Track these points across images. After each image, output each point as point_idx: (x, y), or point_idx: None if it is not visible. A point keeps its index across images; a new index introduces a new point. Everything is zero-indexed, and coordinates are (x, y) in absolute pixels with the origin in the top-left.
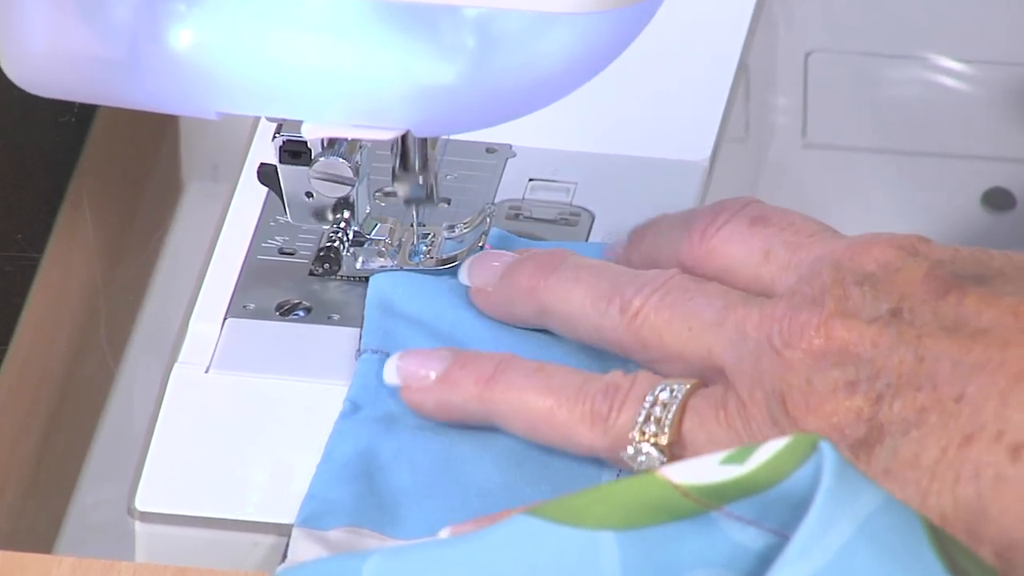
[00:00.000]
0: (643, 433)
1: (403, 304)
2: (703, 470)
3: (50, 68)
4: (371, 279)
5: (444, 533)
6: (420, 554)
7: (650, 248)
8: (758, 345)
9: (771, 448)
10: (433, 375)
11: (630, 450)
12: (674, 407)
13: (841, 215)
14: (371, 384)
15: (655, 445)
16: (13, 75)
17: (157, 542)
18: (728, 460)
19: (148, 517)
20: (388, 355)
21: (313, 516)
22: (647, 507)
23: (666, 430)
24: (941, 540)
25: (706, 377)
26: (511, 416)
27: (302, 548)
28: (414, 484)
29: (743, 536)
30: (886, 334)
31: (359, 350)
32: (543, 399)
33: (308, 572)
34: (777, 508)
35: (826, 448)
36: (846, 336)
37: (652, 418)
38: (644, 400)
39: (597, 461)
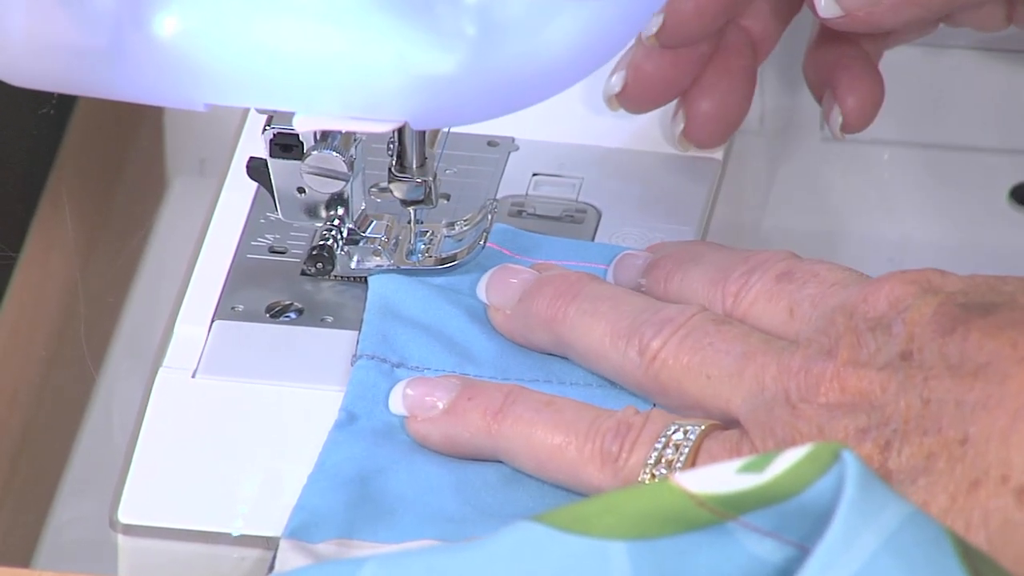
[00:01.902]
0: (654, 476)
1: (405, 308)
2: (720, 479)
3: (29, 57)
4: (371, 280)
5: None
6: (419, 561)
7: (678, 293)
8: (774, 397)
9: (791, 457)
10: (441, 405)
11: None
12: (687, 449)
13: (861, 212)
14: (368, 392)
15: None
16: None
17: (141, 556)
18: (746, 469)
19: (131, 530)
20: (385, 361)
21: (302, 528)
22: (660, 516)
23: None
24: (970, 556)
25: (724, 422)
26: (519, 452)
27: (290, 560)
28: (412, 490)
29: (761, 548)
30: (894, 379)
31: (355, 355)
32: (552, 435)
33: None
34: (797, 520)
35: (849, 458)
36: (858, 385)
37: (664, 460)
38: (656, 441)
39: None
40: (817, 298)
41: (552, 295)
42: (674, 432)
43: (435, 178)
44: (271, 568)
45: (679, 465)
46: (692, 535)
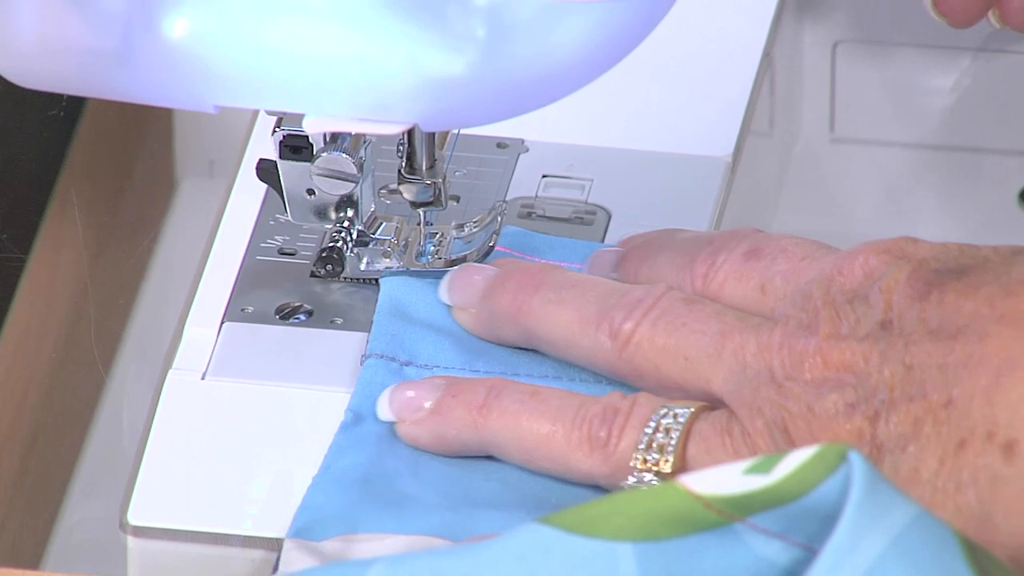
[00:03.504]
0: (645, 461)
1: (415, 308)
2: (726, 480)
3: (39, 59)
4: (382, 281)
5: None
6: (426, 562)
7: (647, 282)
8: (757, 375)
9: (798, 458)
10: (427, 405)
11: (631, 479)
12: (677, 433)
13: (870, 213)
14: (375, 392)
15: (658, 473)
16: (0, 67)
17: (150, 558)
18: (752, 470)
19: (141, 532)
20: (394, 360)
21: (306, 527)
22: (666, 518)
23: (670, 458)
24: (977, 557)
25: (707, 402)
26: (506, 443)
27: (294, 560)
28: (417, 487)
29: (768, 550)
30: (876, 349)
31: (364, 354)
32: (539, 424)
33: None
34: (804, 521)
35: (855, 459)
36: (841, 358)
37: (655, 444)
38: (646, 425)
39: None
40: (789, 273)
41: (515, 288)
42: (664, 416)
43: (444, 180)
44: (276, 568)
45: (671, 448)
46: (699, 536)
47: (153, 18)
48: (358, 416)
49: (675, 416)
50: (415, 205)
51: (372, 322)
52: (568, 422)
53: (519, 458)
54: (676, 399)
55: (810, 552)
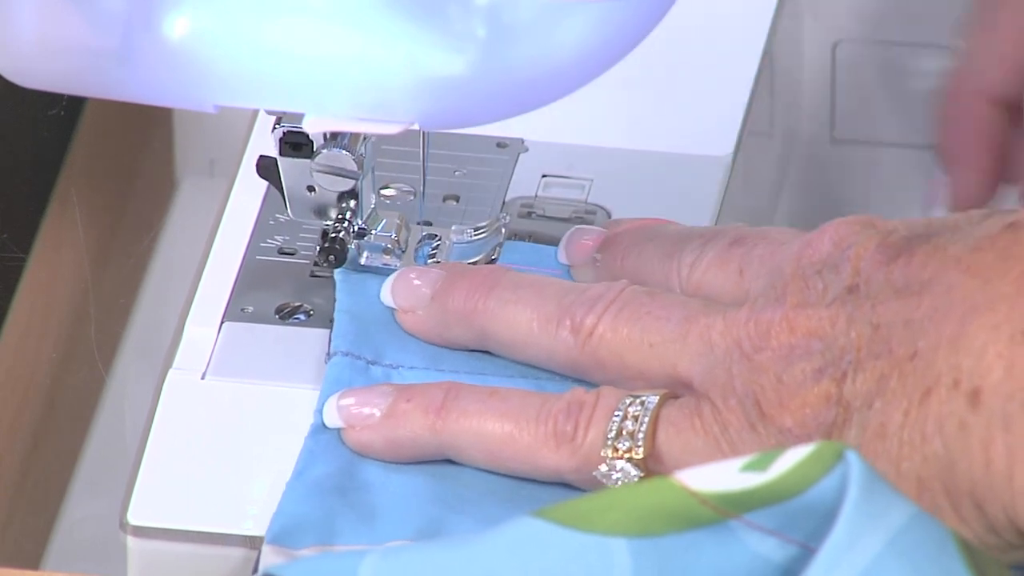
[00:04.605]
0: (616, 449)
1: (375, 306)
2: (722, 477)
3: (39, 59)
4: (337, 276)
5: None
6: (419, 555)
7: (634, 267)
8: (727, 353)
9: (794, 456)
10: (378, 412)
11: (603, 468)
12: (647, 419)
13: (869, 213)
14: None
15: (630, 460)
16: (1, 66)
17: (151, 558)
18: (748, 467)
19: (141, 532)
20: (360, 358)
21: (284, 533)
22: (662, 514)
23: (641, 443)
24: (974, 557)
25: (670, 389)
26: (468, 445)
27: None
28: (391, 497)
29: (763, 547)
30: (842, 312)
31: (328, 353)
32: (501, 424)
33: (302, 571)
34: (801, 518)
35: (853, 458)
36: (808, 324)
37: (624, 432)
38: (612, 415)
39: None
40: (766, 256)
41: (468, 288)
42: (630, 404)
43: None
44: (255, 570)
45: (640, 435)
46: (694, 533)
47: (153, 18)
48: None
49: (642, 403)
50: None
51: (332, 318)
52: (532, 420)
53: (481, 460)
54: (640, 390)
55: (806, 550)
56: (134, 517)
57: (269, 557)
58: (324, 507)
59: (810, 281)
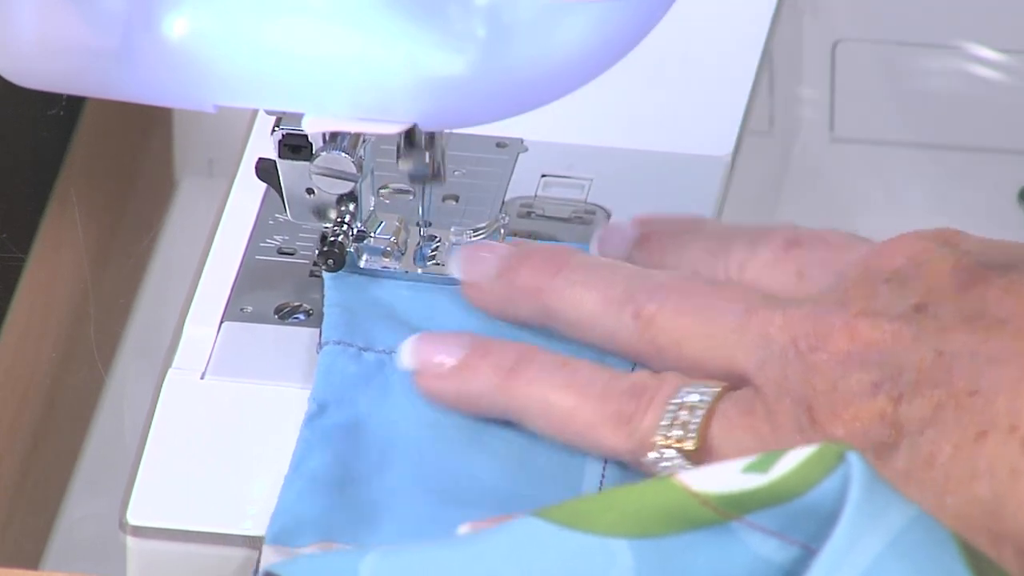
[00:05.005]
0: (667, 438)
1: (364, 299)
2: (724, 478)
3: (39, 59)
4: (325, 278)
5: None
6: (419, 555)
7: (675, 265)
8: (783, 349)
9: (796, 457)
10: (452, 361)
11: (652, 455)
12: (702, 412)
13: (870, 212)
14: (336, 378)
15: (680, 451)
16: (0, 66)
17: (150, 558)
18: (750, 468)
19: (141, 532)
20: (351, 345)
21: (284, 532)
22: (663, 515)
23: (692, 435)
24: (975, 559)
25: (727, 381)
26: (532, 412)
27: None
28: (389, 495)
29: (765, 548)
30: (908, 330)
31: (320, 343)
32: (566, 397)
33: (302, 569)
34: (802, 520)
35: (854, 459)
36: (870, 335)
37: (678, 422)
38: (670, 403)
39: (582, 471)
40: (828, 260)
41: (537, 266)
42: (689, 393)
43: (444, 155)
44: (256, 571)
45: (694, 426)
46: (696, 534)
47: (153, 18)
48: (322, 406)
49: (701, 394)
50: (413, 179)
51: (323, 313)
52: (596, 396)
53: (542, 427)
54: (699, 380)
55: (807, 551)
56: (134, 517)
57: (270, 556)
58: (323, 503)
59: (877, 290)
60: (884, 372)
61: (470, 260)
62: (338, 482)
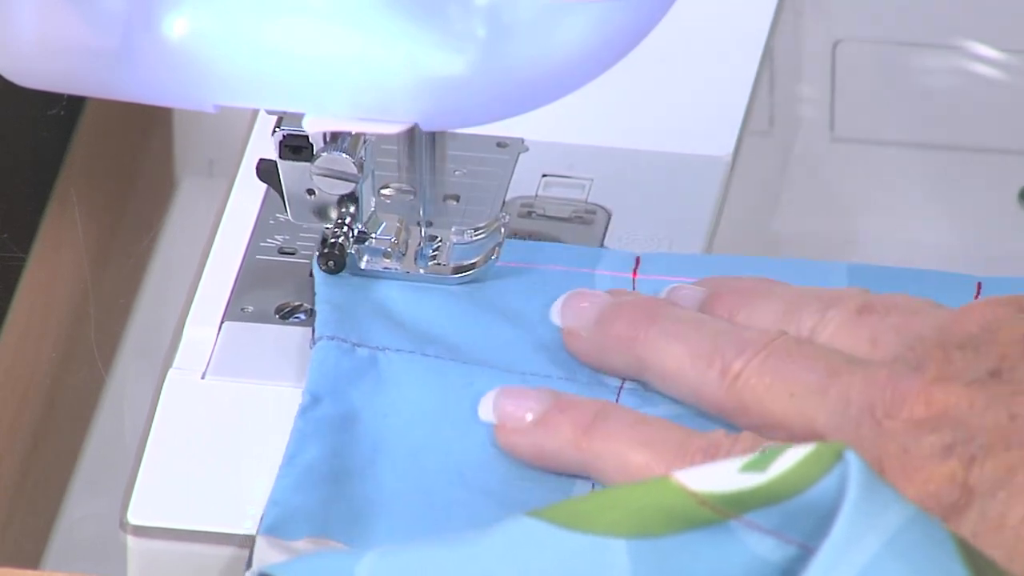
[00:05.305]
0: None
1: (356, 296)
2: (721, 477)
3: (39, 59)
4: (315, 276)
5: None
6: (416, 555)
7: (746, 325)
8: (859, 412)
9: (794, 456)
10: (531, 416)
11: None
12: None
13: (870, 212)
14: (331, 372)
15: None
16: (0, 66)
17: (151, 558)
18: (748, 467)
19: (141, 531)
20: (345, 341)
21: (278, 524)
22: (661, 514)
23: None
24: (973, 559)
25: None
26: (608, 469)
27: (267, 558)
28: (382, 489)
29: (762, 547)
30: (981, 395)
31: (313, 339)
32: (642, 453)
33: (297, 570)
34: (800, 519)
35: (851, 458)
36: (945, 400)
37: None
38: None
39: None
40: (901, 326)
41: (632, 317)
42: None
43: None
44: (249, 565)
45: None
46: (693, 533)
47: (153, 17)
48: (316, 398)
49: None
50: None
51: (314, 309)
52: (671, 453)
53: (618, 484)
54: (780, 440)
55: (805, 550)
56: (134, 516)
57: (263, 548)
58: (317, 496)
59: (952, 356)
60: (957, 435)
61: (571, 308)
62: (332, 475)
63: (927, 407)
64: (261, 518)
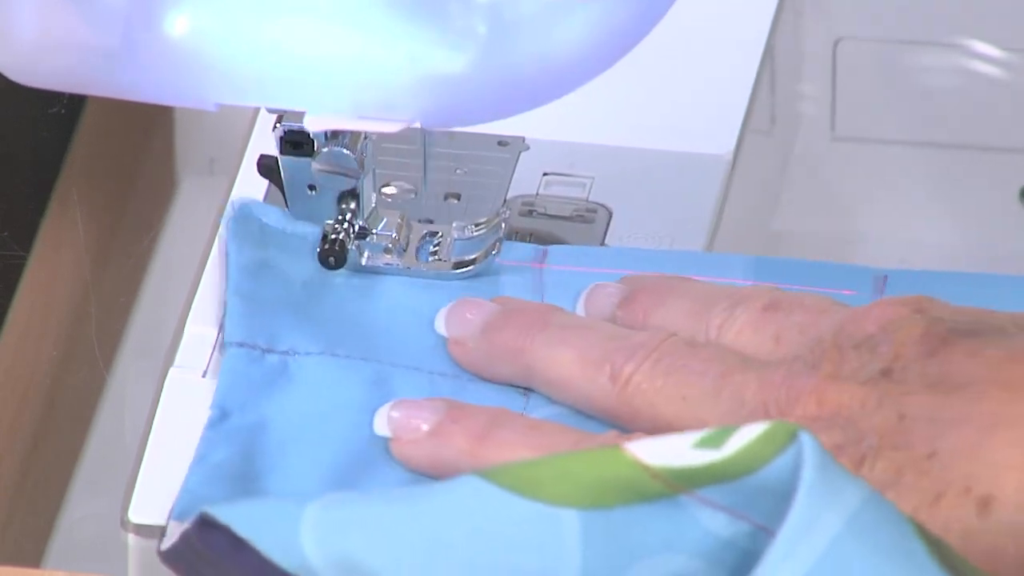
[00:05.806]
0: None
1: (269, 283)
2: (675, 452)
3: (40, 57)
4: (229, 249)
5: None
6: (363, 509)
7: (658, 326)
8: (753, 412)
9: (749, 433)
10: (425, 427)
11: None
12: None
13: (870, 211)
14: (239, 384)
15: None
16: (1, 64)
17: (152, 556)
18: (703, 443)
19: (142, 530)
20: (255, 347)
21: (190, 510)
22: (613, 486)
23: None
24: (928, 537)
25: None
26: None
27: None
28: (291, 488)
29: (714, 523)
30: (873, 395)
31: (221, 343)
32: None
33: (241, 511)
34: (754, 498)
35: (806, 439)
36: (837, 399)
37: None
38: None
39: None
40: (805, 324)
41: (519, 326)
42: None
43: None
44: (159, 548)
45: None
46: (645, 506)
47: (154, 16)
48: (224, 412)
49: None
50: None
51: (224, 302)
52: None
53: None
54: None
55: (758, 528)
56: (135, 515)
57: (174, 532)
58: (225, 491)
59: (847, 355)
60: (848, 435)
61: (456, 318)
62: (241, 475)
63: (819, 406)
64: (172, 505)
